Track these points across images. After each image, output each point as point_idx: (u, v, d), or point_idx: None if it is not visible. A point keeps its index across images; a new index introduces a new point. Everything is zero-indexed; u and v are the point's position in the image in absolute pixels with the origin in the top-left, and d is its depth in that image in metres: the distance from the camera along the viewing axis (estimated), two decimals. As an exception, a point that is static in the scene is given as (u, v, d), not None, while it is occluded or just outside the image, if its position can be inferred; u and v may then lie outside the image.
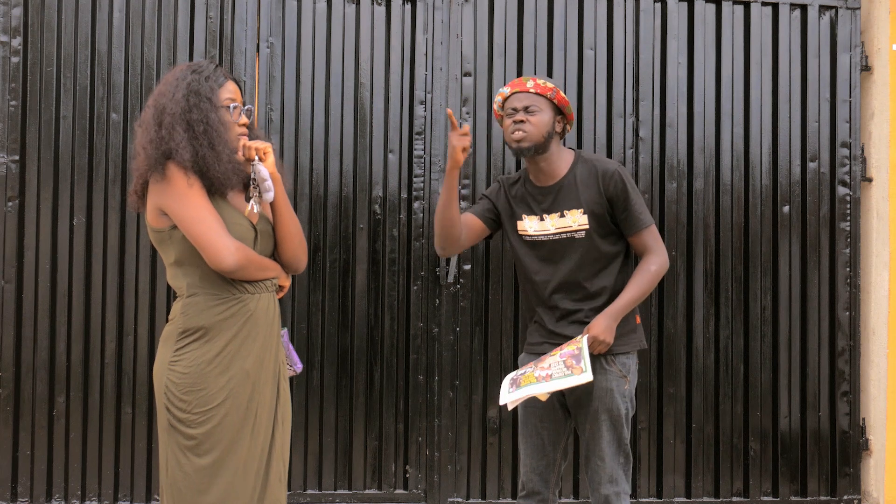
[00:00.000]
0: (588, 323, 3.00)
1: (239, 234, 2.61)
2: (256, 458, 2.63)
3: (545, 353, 3.01)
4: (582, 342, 2.87)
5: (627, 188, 3.03)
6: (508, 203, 3.14)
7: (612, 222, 3.05)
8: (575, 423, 3.08)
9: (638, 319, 3.11)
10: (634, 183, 3.09)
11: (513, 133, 3.03)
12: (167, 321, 4.06)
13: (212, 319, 2.60)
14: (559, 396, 3.06)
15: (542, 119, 3.03)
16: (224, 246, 2.53)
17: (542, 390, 2.84)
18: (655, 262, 3.02)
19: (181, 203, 2.55)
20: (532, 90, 3.04)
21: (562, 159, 3.10)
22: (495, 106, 3.14)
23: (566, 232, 3.03)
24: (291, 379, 4.02)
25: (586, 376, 2.79)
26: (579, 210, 3.02)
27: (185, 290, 2.64)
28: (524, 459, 3.12)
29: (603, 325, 2.91)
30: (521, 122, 3.02)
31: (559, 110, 3.09)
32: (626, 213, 3.03)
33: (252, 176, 2.71)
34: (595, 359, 2.97)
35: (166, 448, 2.60)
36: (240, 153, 2.69)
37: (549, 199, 3.07)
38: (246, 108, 2.72)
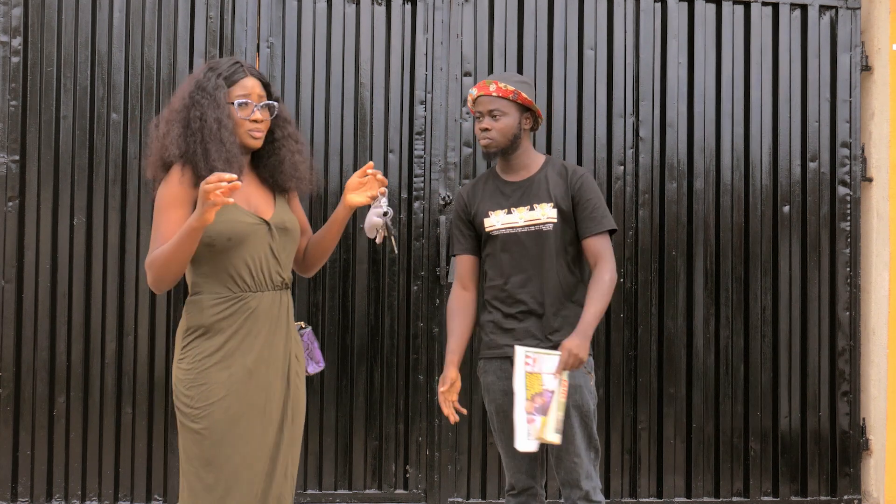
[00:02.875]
0: (547, 320, 3.02)
1: (241, 231, 2.63)
2: (264, 454, 2.66)
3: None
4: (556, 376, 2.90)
5: (593, 189, 3.06)
6: (476, 208, 3.15)
7: (575, 224, 3.07)
8: None
9: None
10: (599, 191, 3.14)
11: (480, 140, 3.08)
12: (167, 321, 4.11)
13: (211, 318, 2.63)
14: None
15: (507, 123, 3.05)
16: (146, 262, 2.63)
17: (555, 417, 2.86)
18: (608, 271, 3.01)
19: (157, 206, 2.65)
20: (494, 94, 3.05)
21: (532, 157, 3.14)
22: (469, 104, 3.15)
23: (534, 225, 3.04)
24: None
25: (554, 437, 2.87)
26: (549, 204, 3.04)
27: (192, 287, 2.70)
28: (507, 462, 3.12)
29: (576, 342, 2.91)
30: (487, 129, 3.05)
31: (527, 107, 3.09)
32: (588, 211, 3.04)
33: (381, 209, 2.81)
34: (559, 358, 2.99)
35: (181, 445, 2.66)
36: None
37: (519, 194, 3.09)
38: (265, 103, 2.74)
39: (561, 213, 3.04)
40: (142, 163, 4.12)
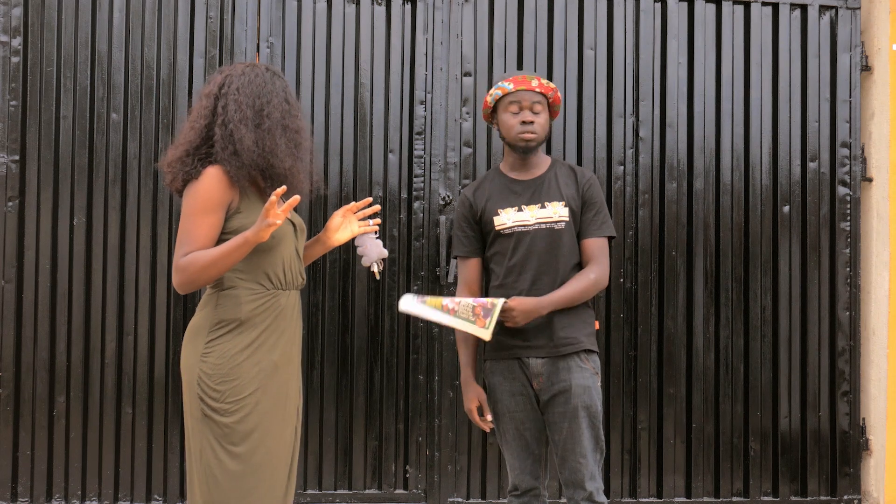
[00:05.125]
0: (557, 327, 3.01)
1: (282, 230, 2.70)
2: (286, 449, 2.72)
3: (509, 357, 3.04)
4: (498, 303, 2.89)
5: (600, 193, 3.12)
6: (483, 209, 3.14)
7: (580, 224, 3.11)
8: (548, 424, 3.07)
9: (597, 325, 3.14)
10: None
11: (522, 133, 3.06)
12: (167, 321, 4.11)
13: (248, 313, 2.67)
14: (535, 395, 3.06)
15: (545, 118, 3.11)
16: (175, 262, 2.62)
17: (441, 320, 2.89)
18: (595, 272, 3.04)
19: (193, 207, 2.62)
20: (536, 89, 3.08)
21: (542, 157, 3.18)
22: (489, 98, 3.13)
23: (546, 222, 3.05)
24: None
25: (485, 333, 2.86)
26: (561, 202, 3.06)
27: (223, 282, 2.69)
28: (512, 462, 3.12)
29: (528, 306, 2.94)
30: (531, 122, 3.06)
31: (550, 108, 3.17)
32: (592, 214, 3.08)
33: (357, 243, 2.90)
34: (570, 357, 3.00)
35: (200, 439, 2.65)
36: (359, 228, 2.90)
37: (530, 192, 3.10)
38: None
39: (572, 212, 3.07)
40: (142, 163, 4.13)
